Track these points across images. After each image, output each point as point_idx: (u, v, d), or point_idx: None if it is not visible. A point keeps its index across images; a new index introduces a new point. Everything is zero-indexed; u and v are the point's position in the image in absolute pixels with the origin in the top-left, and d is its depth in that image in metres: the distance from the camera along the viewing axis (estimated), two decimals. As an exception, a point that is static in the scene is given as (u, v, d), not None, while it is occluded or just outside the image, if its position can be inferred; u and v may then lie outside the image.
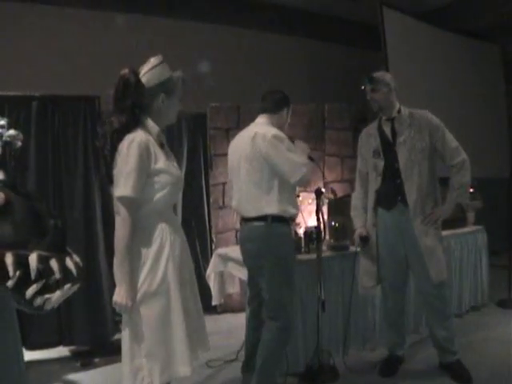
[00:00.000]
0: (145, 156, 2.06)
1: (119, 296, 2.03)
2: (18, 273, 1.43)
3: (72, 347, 3.97)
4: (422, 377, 3.30)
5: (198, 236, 5.09)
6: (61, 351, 3.92)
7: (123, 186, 2.03)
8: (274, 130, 2.86)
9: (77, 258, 1.62)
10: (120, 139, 2.08)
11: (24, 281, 1.44)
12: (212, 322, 4.40)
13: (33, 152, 3.77)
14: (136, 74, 2.11)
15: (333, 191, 4.24)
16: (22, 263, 1.44)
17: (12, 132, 3.26)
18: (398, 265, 3.29)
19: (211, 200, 5.10)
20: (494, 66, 7.01)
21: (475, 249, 4.58)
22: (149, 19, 5.65)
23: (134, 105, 2.10)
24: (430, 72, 6.05)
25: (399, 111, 3.24)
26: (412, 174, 3.14)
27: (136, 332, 2.09)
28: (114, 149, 2.10)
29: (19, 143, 3.29)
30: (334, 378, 3.29)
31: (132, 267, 2.05)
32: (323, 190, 3.43)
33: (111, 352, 3.85)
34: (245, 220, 2.95)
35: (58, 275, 1.48)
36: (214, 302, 3.92)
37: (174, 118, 2.33)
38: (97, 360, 3.78)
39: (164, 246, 2.12)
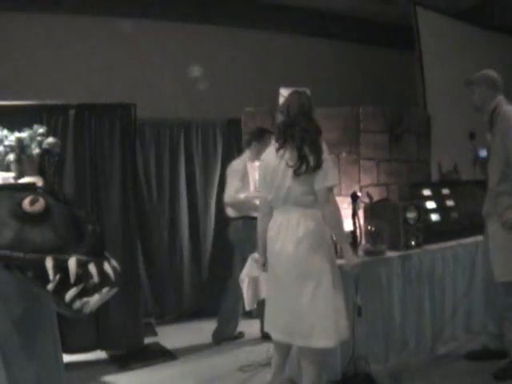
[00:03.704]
0: None
1: (354, 258, 2.79)
2: (57, 276, 1.46)
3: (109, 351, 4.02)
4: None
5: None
6: (99, 354, 3.98)
7: (334, 179, 2.72)
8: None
9: (114, 263, 1.63)
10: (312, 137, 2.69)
11: (63, 284, 1.46)
12: (247, 327, 4.40)
13: (70, 159, 3.84)
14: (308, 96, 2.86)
15: (369, 195, 4.18)
16: (61, 267, 1.46)
17: (51, 140, 3.35)
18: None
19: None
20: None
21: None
22: (184, 26, 5.72)
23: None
24: (466, 71, 5.92)
25: (495, 109, 3.27)
26: (489, 171, 3.30)
27: (335, 292, 2.67)
28: (316, 145, 2.66)
29: (58, 150, 3.38)
30: (370, 385, 3.24)
31: None
32: (359, 194, 3.41)
33: (147, 356, 3.91)
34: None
35: (96, 279, 1.50)
36: (247, 308, 3.89)
37: None
38: (133, 363, 3.82)
39: None
